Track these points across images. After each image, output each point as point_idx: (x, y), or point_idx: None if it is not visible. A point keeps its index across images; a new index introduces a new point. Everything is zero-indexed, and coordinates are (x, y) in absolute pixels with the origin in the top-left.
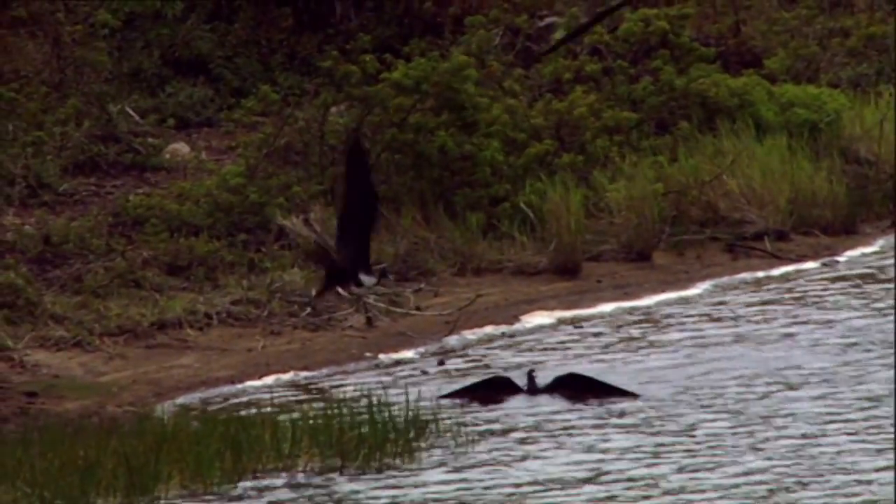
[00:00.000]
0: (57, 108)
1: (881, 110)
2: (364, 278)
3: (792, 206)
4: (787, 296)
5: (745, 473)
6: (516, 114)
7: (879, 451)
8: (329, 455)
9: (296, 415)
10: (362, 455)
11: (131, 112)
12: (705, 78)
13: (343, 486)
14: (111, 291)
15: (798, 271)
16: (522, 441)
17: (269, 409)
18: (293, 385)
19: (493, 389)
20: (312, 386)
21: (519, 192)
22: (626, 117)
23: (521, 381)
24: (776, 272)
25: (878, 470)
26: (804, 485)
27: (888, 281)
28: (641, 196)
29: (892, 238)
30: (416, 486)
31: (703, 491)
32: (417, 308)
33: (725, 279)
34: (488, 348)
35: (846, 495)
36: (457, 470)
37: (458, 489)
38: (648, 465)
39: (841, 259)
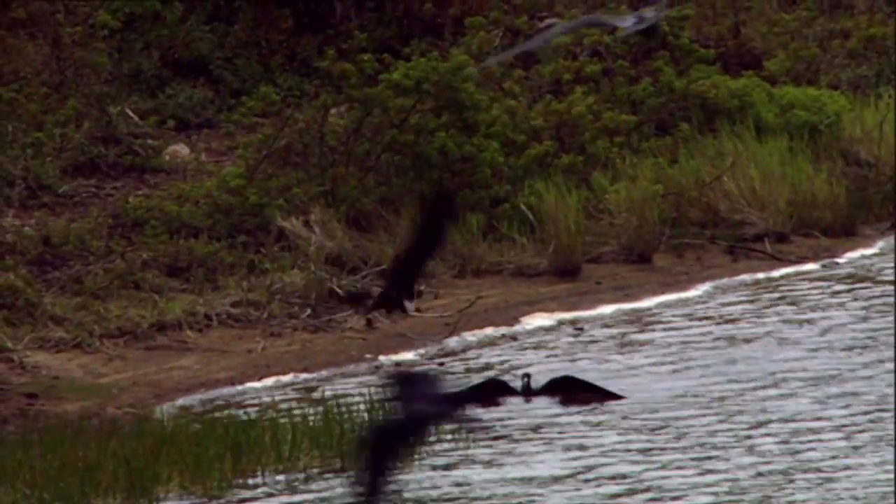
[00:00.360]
0: (57, 110)
1: (881, 112)
2: (407, 304)
3: (792, 207)
4: (787, 297)
5: (737, 470)
6: (516, 115)
7: (873, 452)
8: (329, 456)
9: (296, 417)
10: None
11: (131, 113)
12: (705, 79)
13: (343, 487)
14: (111, 293)
15: (798, 273)
16: (518, 441)
17: (269, 410)
18: (293, 387)
19: (489, 392)
20: (312, 388)
21: (519, 193)
22: (626, 119)
23: (516, 383)
24: (776, 274)
25: (872, 468)
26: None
27: (888, 282)
28: (641, 198)
29: (892, 240)
30: (415, 486)
31: (694, 489)
32: (417, 310)
33: (725, 281)
34: (488, 350)
35: (838, 496)
36: (456, 469)
37: (457, 489)
38: (641, 466)
39: (841, 261)
